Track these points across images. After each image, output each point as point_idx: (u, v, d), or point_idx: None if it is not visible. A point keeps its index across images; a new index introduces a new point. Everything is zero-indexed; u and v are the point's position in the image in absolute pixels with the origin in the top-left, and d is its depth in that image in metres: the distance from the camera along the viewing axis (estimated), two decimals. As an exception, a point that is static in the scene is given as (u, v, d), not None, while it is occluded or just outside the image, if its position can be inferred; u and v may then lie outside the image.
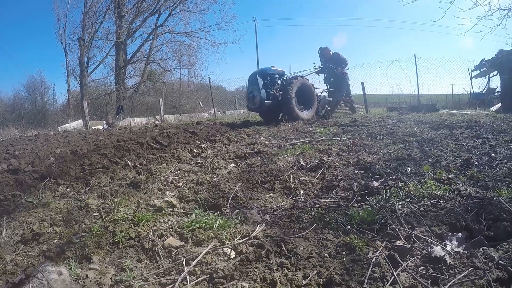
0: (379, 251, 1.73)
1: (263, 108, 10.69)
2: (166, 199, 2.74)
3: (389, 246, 1.77)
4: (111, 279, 1.78)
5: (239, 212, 2.45)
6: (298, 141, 4.99)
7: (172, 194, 2.94)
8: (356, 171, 3.18)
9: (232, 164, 3.83)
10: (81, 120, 19.53)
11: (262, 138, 5.64)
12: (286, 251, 1.80)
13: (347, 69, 12.95)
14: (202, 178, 3.24)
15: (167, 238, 2.09)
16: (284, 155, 3.93)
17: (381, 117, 8.63)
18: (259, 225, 2.16)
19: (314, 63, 13.71)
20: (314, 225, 2.07)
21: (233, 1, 40.17)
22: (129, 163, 4.32)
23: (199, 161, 4.22)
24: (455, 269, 1.54)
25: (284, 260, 1.71)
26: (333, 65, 12.56)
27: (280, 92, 10.58)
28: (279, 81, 11.27)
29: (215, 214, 2.47)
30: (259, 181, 3.10)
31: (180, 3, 28.19)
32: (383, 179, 2.80)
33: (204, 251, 1.83)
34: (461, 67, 21.56)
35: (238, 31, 72.86)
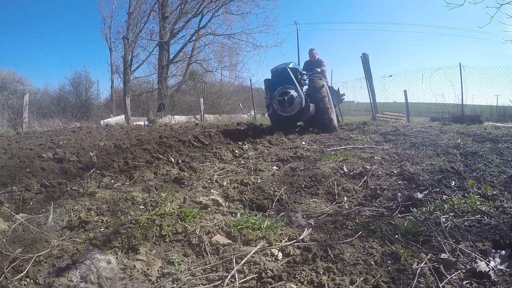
0: (424, 262, 1.73)
1: (305, 115, 8.74)
2: (211, 197, 2.79)
3: (434, 259, 1.77)
4: (158, 271, 1.83)
5: (285, 214, 2.48)
6: (340, 147, 4.99)
7: (217, 192, 3.00)
8: (400, 181, 3.16)
9: (275, 167, 3.86)
10: (123, 116, 19.98)
11: (303, 143, 5.66)
12: (332, 256, 1.82)
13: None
14: (246, 179, 3.30)
15: (214, 235, 2.13)
16: (327, 161, 3.93)
17: (423, 127, 8.49)
18: (306, 228, 2.19)
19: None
20: (360, 233, 2.08)
21: (275, 4, 40.15)
22: (172, 159, 4.41)
23: (242, 161, 4.28)
24: (499, 286, 1.53)
25: (330, 265, 1.73)
26: (312, 72, 10.74)
27: (318, 96, 8.77)
28: (306, 82, 9.62)
29: (261, 215, 2.51)
30: (302, 186, 3.12)
31: (222, 5, 28.45)
32: (427, 191, 2.78)
33: (253, 251, 1.87)
34: (507, 77, 20.78)
35: (279, 35, 72.40)
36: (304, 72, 10.00)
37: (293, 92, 8.57)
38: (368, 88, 16.94)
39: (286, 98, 8.48)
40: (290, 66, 9.27)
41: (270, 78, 9.64)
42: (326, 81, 10.91)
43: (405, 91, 16.01)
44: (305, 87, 9.32)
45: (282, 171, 3.62)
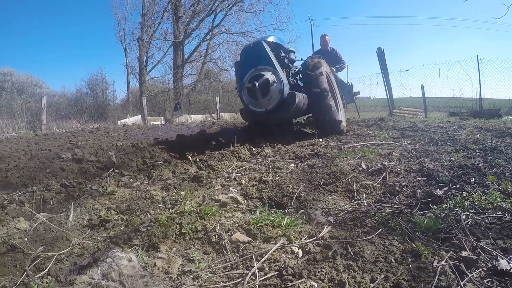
0: (444, 260, 1.72)
1: (289, 111, 6.09)
2: (230, 195, 2.82)
3: (454, 256, 1.76)
4: (178, 268, 1.85)
5: (304, 212, 2.49)
6: (358, 144, 4.97)
7: (236, 190, 3.02)
8: (419, 178, 3.14)
9: (293, 164, 3.87)
10: (140, 116, 20.22)
11: (320, 140, 5.64)
12: (352, 254, 1.82)
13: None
14: (264, 177, 3.31)
15: (234, 233, 2.15)
16: (345, 158, 3.92)
17: (441, 122, 8.35)
18: (326, 226, 2.20)
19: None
20: (379, 230, 2.08)
21: (288, 0, 40.16)
22: (190, 158, 4.44)
23: (260, 159, 4.29)
24: (521, 284, 1.52)
25: (350, 262, 1.74)
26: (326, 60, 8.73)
27: (315, 87, 6.49)
28: (293, 65, 7.28)
29: (280, 212, 2.52)
30: (321, 183, 3.12)
31: (235, 3, 28.67)
32: (447, 188, 2.75)
33: (274, 248, 1.88)
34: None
35: (293, 31, 72.41)
36: (293, 49, 7.49)
37: (268, 75, 6.01)
38: (384, 83, 16.80)
39: (257, 84, 5.86)
40: (269, 40, 6.94)
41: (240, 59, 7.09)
42: (332, 70, 8.87)
43: (422, 86, 15.81)
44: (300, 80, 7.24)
45: (300, 169, 3.63)
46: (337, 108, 7.29)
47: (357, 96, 12.27)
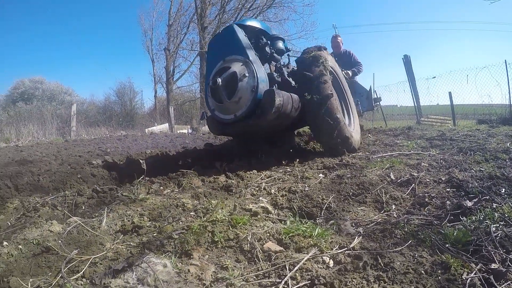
0: (474, 272, 1.73)
1: (266, 117, 4.57)
2: (261, 204, 2.87)
3: (484, 269, 1.77)
4: (211, 275, 1.89)
5: (334, 222, 2.53)
6: (386, 154, 4.94)
7: (266, 200, 3.07)
8: (448, 189, 3.12)
9: (321, 175, 3.89)
10: (167, 124, 20.53)
11: (346, 152, 5.64)
12: (382, 265, 1.85)
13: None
14: (294, 187, 3.36)
15: (266, 242, 2.20)
16: (373, 168, 3.93)
17: (470, 130, 8.21)
18: (356, 237, 2.23)
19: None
20: (409, 242, 2.10)
21: (312, 9, 40.37)
22: (218, 167, 4.52)
23: (288, 169, 4.33)
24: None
25: (381, 273, 1.77)
26: (339, 64, 7.75)
27: (312, 88, 5.13)
28: (281, 57, 5.81)
29: (311, 222, 2.56)
30: (350, 193, 3.14)
31: (260, 13, 28.94)
32: (476, 199, 2.74)
33: (306, 258, 1.93)
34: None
35: (318, 39, 72.21)
36: (281, 37, 5.88)
37: (236, 67, 4.79)
38: (411, 91, 16.65)
39: (219, 80, 4.66)
40: (248, 24, 5.57)
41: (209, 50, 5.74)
42: (347, 73, 8.54)
43: (450, 93, 15.51)
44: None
45: (329, 179, 3.66)
46: (349, 119, 6.28)
47: (378, 103, 10.43)
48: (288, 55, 6.17)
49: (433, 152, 4.93)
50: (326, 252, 2.03)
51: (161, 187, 3.66)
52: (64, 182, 4.05)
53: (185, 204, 2.99)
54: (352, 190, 3.20)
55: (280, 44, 5.79)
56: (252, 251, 2.11)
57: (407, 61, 16.45)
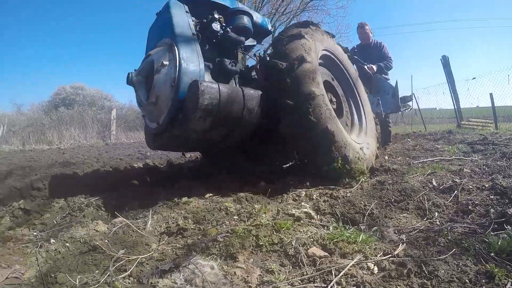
0: (517, 282, 1.73)
1: (190, 123, 3.50)
2: (304, 209, 2.93)
3: (528, 279, 1.77)
4: (257, 278, 1.95)
5: (377, 229, 2.56)
6: (427, 159, 4.88)
7: (308, 205, 3.12)
8: (492, 196, 3.08)
9: (363, 179, 3.89)
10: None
11: (386, 158, 5.57)
12: (426, 273, 1.88)
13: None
14: (335, 193, 3.40)
15: (310, 247, 2.24)
16: (415, 174, 3.90)
17: (513, 133, 8.04)
18: (400, 244, 2.26)
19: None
20: (453, 250, 2.11)
21: (345, 11, 40.11)
22: (258, 172, 4.57)
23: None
24: None
25: (425, 281, 1.80)
26: (365, 59, 7.80)
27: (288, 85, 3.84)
28: (243, 38, 4.55)
29: (354, 229, 2.59)
30: (392, 200, 3.15)
31: (294, 17, 28.76)
32: (521, 207, 2.72)
33: (351, 263, 1.97)
34: None
35: (354, 42, 71.42)
36: (245, 11, 4.67)
37: (156, 54, 3.85)
38: (451, 93, 16.21)
39: (130, 76, 3.84)
40: None
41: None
42: (370, 68, 7.70)
43: (491, 94, 14.94)
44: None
45: (370, 185, 3.67)
46: (360, 126, 4.98)
47: (407, 103, 8.24)
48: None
49: (475, 157, 4.85)
50: (371, 259, 2.06)
51: (203, 190, 3.71)
52: (107, 184, 4.20)
53: (228, 208, 3.07)
54: (394, 197, 3.20)
55: (244, 21, 4.55)
56: (296, 255, 2.15)
57: (445, 62, 16.00)
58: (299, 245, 2.24)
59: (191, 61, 3.73)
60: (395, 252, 2.12)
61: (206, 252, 2.21)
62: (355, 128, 4.96)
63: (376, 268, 1.98)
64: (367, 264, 2.00)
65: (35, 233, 2.78)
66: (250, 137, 4.27)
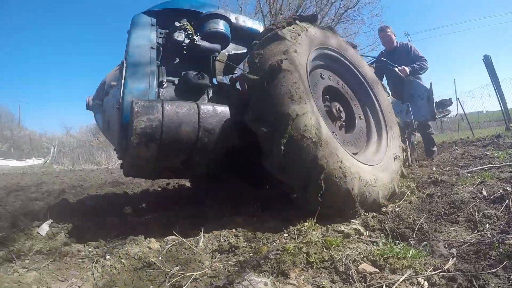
0: None
1: (132, 154, 3.12)
2: (353, 226, 2.97)
3: None
4: None
5: (427, 244, 2.56)
6: (476, 168, 4.73)
7: (357, 222, 3.15)
8: (545, 206, 3.01)
9: (408, 192, 3.88)
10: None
11: (434, 168, 5.46)
12: (477, 287, 1.90)
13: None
14: (384, 208, 3.40)
15: (360, 263, 2.28)
16: (464, 185, 3.83)
17: None
18: (450, 258, 2.26)
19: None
20: (504, 263, 2.10)
21: (380, 19, 39.50)
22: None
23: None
24: None
25: (476, 295, 1.81)
26: (394, 62, 7.19)
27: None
28: (218, 46, 4.11)
29: (404, 244, 2.61)
30: (441, 213, 3.12)
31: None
32: None
33: (401, 279, 2.02)
34: None
35: (391, 50, 70.51)
36: (218, 14, 4.19)
37: (108, 75, 3.81)
38: (496, 94, 15.64)
39: (88, 100, 3.85)
40: (162, 9, 4.14)
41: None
42: (402, 70, 7.00)
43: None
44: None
45: (418, 198, 3.64)
46: (378, 143, 4.17)
47: (445, 109, 6.85)
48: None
49: (527, 162, 4.70)
50: (421, 274, 2.09)
51: (250, 209, 3.79)
52: (157, 202, 4.34)
53: (276, 226, 3.16)
54: (443, 210, 3.16)
55: (217, 25, 4.08)
56: (347, 272, 2.19)
57: (488, 61, 15.33)
58: (349, 262, 2.27)
59: (139, 79, 3.41)
60: (445, 267, 2.13)
61: (258, 269, 2.27)
62: (372, 142, 4.16)
63: (426, 284, 2.01)
64: (417, 280, 2.03)
65: (89, 249, 2.95)
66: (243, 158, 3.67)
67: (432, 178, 4.33)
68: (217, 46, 4.05)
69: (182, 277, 2.24)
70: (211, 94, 3.79)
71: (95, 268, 2.43)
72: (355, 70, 4.39)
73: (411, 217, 3.06)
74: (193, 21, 4.07)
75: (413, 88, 6.71)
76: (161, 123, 3.01)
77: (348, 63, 4.34)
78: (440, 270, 2.11)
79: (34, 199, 5.80)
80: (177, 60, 3.95)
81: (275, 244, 2.72)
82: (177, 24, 3.86)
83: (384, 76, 7.60)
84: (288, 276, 2.17)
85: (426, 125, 7.27)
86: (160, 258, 2.51)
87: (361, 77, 4.42)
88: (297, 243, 2.63)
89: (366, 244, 2.64)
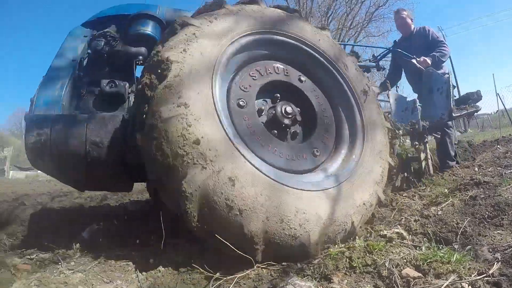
0: None
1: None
2: (395, 230, 2.97)
3: None
4: None
5: (471, 248, 2.54)
6: (521, 167, 4.57)
7: (400, 225, 3.14)
8: None
9: (450, 195, 3.82)
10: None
11: (476, 169, 5.36)
12: (523, 292, 1.89)
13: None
14: (426, 211, 3.38)
15: (403, 268, 2.29)
16: (508, 186, 3.70)
17: None
18: (495, 263, 2.24)
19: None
20: (552, 268, 2.07)
21: (412, 14, 38.84)
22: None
23: (413, 191, 4.35)
24: None
25: (520, 300, 1.81)
26: (410, 53, 6.05)
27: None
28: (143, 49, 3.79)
29: (447, 248, 2.59)
30: (485, 216, 3.06)
31: (361, 30, 28.48)
32: None
33: (445, 284, 2.03)
34: None
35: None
36: (146, 14, 3.82)
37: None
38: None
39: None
40: (96, 18, 3.99)
41: None
42: (424, 61, 5.83)
43: None
44: None
45: (461, 201, 3.58)
46: (358, 149, 3.34)
47: (472, 105, 5.59)
48: None
49: None
50: (465, 279, 2.08)
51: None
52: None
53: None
54: (487, 212, 3.10)
55: (142, 27, 3.77)
56: (390, 277, 2.20)
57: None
58: (392, 266, 2.28)
59: (48, 92, 3.32)
60: (490, 272, 2.12)
61: (301, 274, 2.31)
62: (339, 155, 3.32)
63: (470, 288, 2.00)
64: (461, 285, 2.03)
65: (133, 253, 3.05)
66: None
67: (475, 179, 4.22)
68: (142, 50, 3.76)
69: (225, 281, 2.32)
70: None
71: (139, 271, 2.55)
72: (325, 62, 3.51)
73: (454, 220, 3.03)
74: (124, 25, 3.81)
75: (433, 81, 5.48)
76: (49, 138, 2.97)
77: (313, 53, 3.48)
78: (484, 275, 2.10)
79: (78, 204, 6.05)
80: (101, 69, 3.71)
81: (317, 248, 2.75)
82: (94, 32, 3.72)
83: (403, 70, 6.76)
84: (331, 281, 2.20)
85: (444, 127, 5.84)
86: (203, 261, 2.58)
87: (333, 71, 3.53)
88: (339, 247, 2.65)
89: (409, 248, 2.63)
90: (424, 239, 2.86)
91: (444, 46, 6.19)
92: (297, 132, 3.28)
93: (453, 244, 2.73)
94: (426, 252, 2.48)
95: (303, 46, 3.40)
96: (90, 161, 3.09)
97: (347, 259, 2.43)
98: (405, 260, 2.38)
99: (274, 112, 3.13)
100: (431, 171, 5.12)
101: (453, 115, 5.21)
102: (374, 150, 3.31)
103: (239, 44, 3.02)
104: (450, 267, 2.21)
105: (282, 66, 3.32)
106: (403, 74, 6.87)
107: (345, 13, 29.79)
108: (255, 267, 2.50)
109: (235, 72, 3.08)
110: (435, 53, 6.01)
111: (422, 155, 5.08)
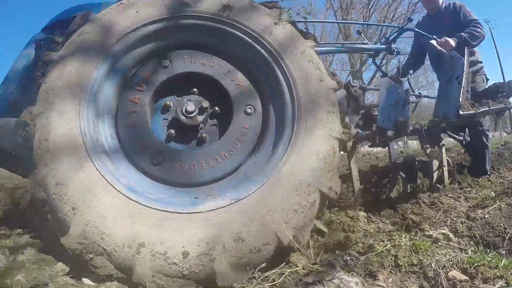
0: None
1: None
2: (442, 231, 2.92)
3: None
4: None
5: (518, 254, 2.48)
6: None
7: (446, 226, 3.11)
8: None
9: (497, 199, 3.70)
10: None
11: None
12: None
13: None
14: (472, 214, 3.31)
15: (450, 270, 2.26)
16: (556, 189, 3.60)
17: None
18: (545, 270, 2.20)
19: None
20: None
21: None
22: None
23: (458, 191, 4.24)
24: None
25: None
26: (436, 33, 4.85)
27: None
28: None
29: (495, 253, 2.55)
30: (534, 223, 2.97)
31: (403, 21, 27.84)
32: None
33: (492, 289, 2.00)
34: None
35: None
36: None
37: None
38: None
39: None
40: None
41: None
42: (445, 42, 4.65)
43: None
44: None
45: (508, 205, 3.46)
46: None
47: (499, 100, 4.00)
48: None
49: None
50: (513, 285, 2.04)
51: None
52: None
53: (363, 227, 3.20)
54: (535, 219, 3.01)
55: None
56: (436, 278, 2.18)
57: None
58: (438, 268, 2.25)
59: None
60: (540, 279, 2.08)
61: (346, 269, 2.30)
62: (257, 158, 2.65)
63: (517, 295, 1.96)
64: (509, 291, 1.99)
65: None
66: None
67: (519, 182, 4.14)
68: None
69: (271, 273, 2.34)
70: None
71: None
72: (253, 43, 2.77)
73: (501, 224, 2.96)
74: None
75: (454, 67, 3.88)
76: None
77: (244, 37, 2.76)
78: (534, 283, 2.06)
79: None
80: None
81: (361, 245, 2.73)
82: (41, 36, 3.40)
83: (428, 54, 5.62)
84: (377, 278, 2.19)
85: (452, 129, 4.50)
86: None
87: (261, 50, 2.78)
88: (385, 245, 2.62)
89: (455, 250, 2.59)
90: (471, 242, 2.82)
91: (477, 26, 4.96)
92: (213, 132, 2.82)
93: (500, 249, 2.68)
94: (473, 256, 2.44)
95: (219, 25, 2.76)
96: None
97: (393, 257, 2.41)
98: (451, 262, 2.34)
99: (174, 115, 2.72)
100: (446, 182, 4.22)
101: (462, 113, 3.68)
102: (304, 153, 2.52)
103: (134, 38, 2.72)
104: (498, 272, 2.16)
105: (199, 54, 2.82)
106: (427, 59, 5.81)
107: (387, 4, 29.25)
108: (299, 260, 2.48)
109: None
110: (463, 34, 4.84)
111: (435, 163, 4.13)
